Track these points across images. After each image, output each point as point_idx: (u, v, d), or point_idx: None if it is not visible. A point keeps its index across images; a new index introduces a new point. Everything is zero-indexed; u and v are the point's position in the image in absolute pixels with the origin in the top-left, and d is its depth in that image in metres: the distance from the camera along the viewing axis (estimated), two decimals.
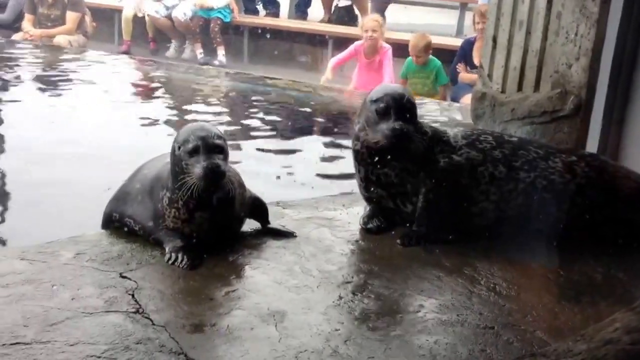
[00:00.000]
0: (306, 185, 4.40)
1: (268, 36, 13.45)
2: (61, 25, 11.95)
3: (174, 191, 3.22)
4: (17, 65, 9.42)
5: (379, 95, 3.52)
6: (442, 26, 13.57)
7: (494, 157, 3.59)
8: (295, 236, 3.56)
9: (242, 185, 3.45)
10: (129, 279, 3.00)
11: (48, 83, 8.38)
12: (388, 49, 9.51)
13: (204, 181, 3.09)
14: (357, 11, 13.07)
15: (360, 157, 3.65)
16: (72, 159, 5.31)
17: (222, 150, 3.16)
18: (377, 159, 3.57)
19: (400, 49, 9.66)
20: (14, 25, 12.32)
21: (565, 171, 3.59)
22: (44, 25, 12.04)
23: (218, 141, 3.15)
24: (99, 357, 2.40)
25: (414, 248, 3.48)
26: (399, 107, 3.46)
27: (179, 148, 3.16)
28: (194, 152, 3.11)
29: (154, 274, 3.09)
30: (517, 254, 3.41)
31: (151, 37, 13.63)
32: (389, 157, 3.54)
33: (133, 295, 2.85)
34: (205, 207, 3.22)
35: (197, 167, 3.08)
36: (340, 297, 2.96)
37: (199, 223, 3.25)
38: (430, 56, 9.26)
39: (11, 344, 2.43)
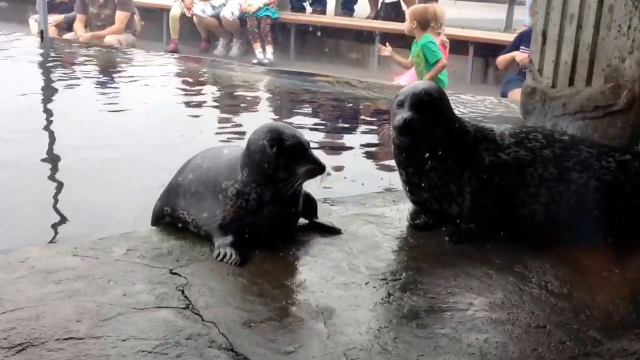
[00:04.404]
0: (356, 182, 4.39)
1: (315, 33, 13.47)
2: (111, 24, 12.11)
3: (247, 184, 3.29)
4: (70, 64, 9.59)
5: (401, 91, 3.52)
6: (491, 21, 13.45)
7: (544, 156, 3.53)
8: (342, 233, 3.55)
9: None
10: (179, 275, 3.03)
11: (96, 82, 8.52)
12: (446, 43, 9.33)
13: (312, 177, 3.25)
14: (404, 7, 13.00)
15: (396, 159, 3.63)
16: (121, 157, 5.39)
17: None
18: (404, 156, 3.55)
19: (450, 44, 9.57)
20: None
21: (619, 171, 3.52)
22: (94, 25, 12.21)
23: (307, 138, 3.31)
24: (150, 352, 2.43)
25: (463, 245, 3.44)
26: (413, 99, 3.41)
27: (272, 147, 3.22)
28: (298, 151, 3.22)
29: (203, 270, 3.12)
30: (569, 251, 3.34)
31: (204, 38, 13.75)
32: (408, 154, 3.52)
33: (183, 292, 2.88)
34: (277, 202, 3.30)
35: (307, 166, 3.21)
36: (389, 294, 2.94)
37: (264, 216, 3.31)
38: (426, 34, 8.78)
39: (64, 339, 2.48)
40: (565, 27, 4.56)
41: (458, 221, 3.56)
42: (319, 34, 13.48)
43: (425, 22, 8.82)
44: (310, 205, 3.61)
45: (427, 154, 3.48)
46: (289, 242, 3.42)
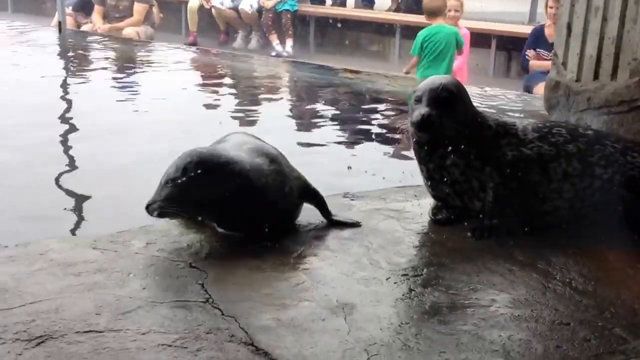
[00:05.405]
0: (376, 176, 4.36)
1: (335, 26, 13.44)
2: (129, 16, 12.12)
3: None
4: (88, 57, 9.62)
5: (419, 86, 3.48)
6: (514, 14, 13.35)
7: (568, 151, 3.48)
8: (360, 225, 3.52)
9: (280, 172, 3.36)
10: (199, 268, 3.02)
11: (114, 75, 8.53)
12: (467, 33, 9.23)
13: None
14: None
15: (417, 155, 3.59)
16: (140, 150, 5.38)
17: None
18: (424, 152, 3.51)
19: (472, 37, 9.51)
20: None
21: None
22: (112, 17, 12.23)
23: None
24: (170, 345, 2.41)
25: (485, 241, 3.40)
26: (430, 95, 3.36)
27: None
28: None
29: (223, 264, 3.10)
30: (593, 248, 3.30)
31: (223, 30, 13.75)
32: (428, 149, 3.48)
33: (203, 285, 2.86)
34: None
35: None
36: (411, 290, 2.91)
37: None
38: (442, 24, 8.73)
39: (84, 332, 2.46)
40: (590, 20, 4.50)
41: (480, 217, 3.52)
42: (339, 26, 13.45)
43: (429, 12, 8.75)
44: (313, 197, 3.55)
45: (448, 149, 3.44)
46: (308, 236, 3.40)
